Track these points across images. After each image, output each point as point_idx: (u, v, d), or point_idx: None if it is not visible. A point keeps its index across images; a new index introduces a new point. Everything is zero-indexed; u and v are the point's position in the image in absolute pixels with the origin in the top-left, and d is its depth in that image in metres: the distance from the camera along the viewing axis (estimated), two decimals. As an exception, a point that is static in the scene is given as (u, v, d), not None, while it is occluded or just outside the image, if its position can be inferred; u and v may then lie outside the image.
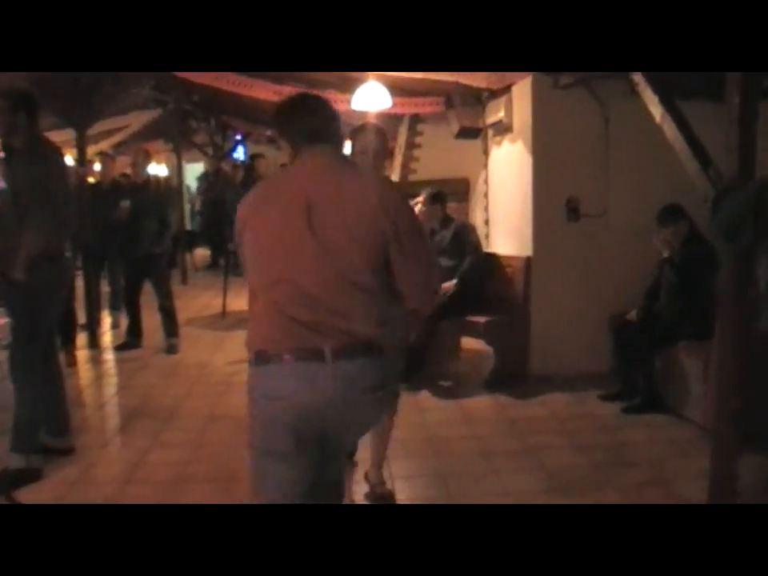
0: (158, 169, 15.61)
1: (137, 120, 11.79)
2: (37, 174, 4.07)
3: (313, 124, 2.36)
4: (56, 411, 4.43)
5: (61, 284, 4.39)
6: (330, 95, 7.86)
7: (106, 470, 4.33)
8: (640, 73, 4.10)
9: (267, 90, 7.80)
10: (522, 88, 6.07)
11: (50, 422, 4.38)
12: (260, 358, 2.21)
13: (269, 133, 13.67)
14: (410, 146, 8.30)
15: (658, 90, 4.00)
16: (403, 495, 3.86)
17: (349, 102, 6.65)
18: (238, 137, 16.22)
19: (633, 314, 5.37)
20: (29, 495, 3.84)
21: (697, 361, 4.82)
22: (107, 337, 7.90)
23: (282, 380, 2.17)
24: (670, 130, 3.90)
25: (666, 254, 5.20)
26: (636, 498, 3.79)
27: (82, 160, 7.31)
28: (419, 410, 5.30)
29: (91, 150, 9.06)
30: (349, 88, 6.82)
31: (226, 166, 14.96)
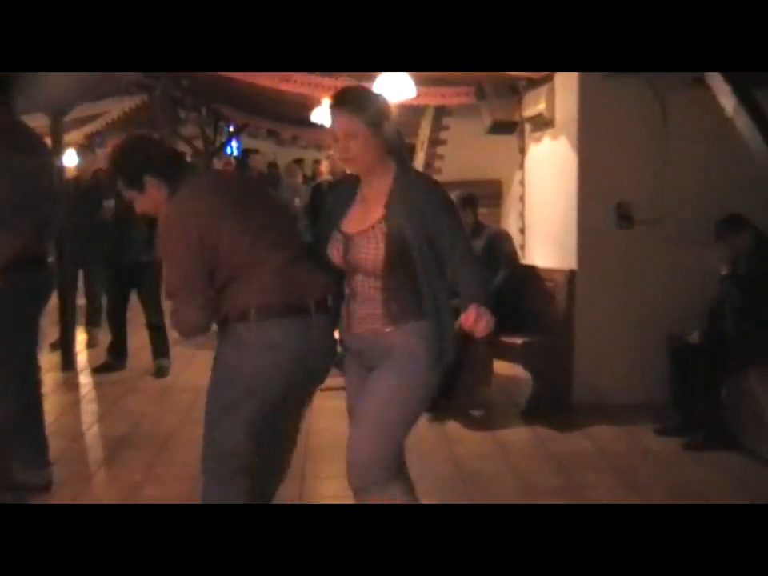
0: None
1: (116, 107, 11.86)
2: (14, 166, 4.08)
3: None
4: (32, 441, 4.41)
5: (41, 294, 4.41)
6: (346, 84, 7.93)
7: (90, 509, 4.33)
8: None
9: (272, 77, 7.85)
10: (567, 77, 6.10)
11: (24, 454, 4.36)
12: (262, 312, 2.87)
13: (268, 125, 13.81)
14: (434, 142, 8.34)
15: (731, 78, 4.02)
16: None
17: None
18: (231, 129, 16.32)
19: (694, 336, 5.38)
20: None
21: (770, 390, 4.82)
22: (83, 357, 7.91)
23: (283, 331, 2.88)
24: (744, 124, 3.93)
25: (724, 272, 5.19)
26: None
27: (58, 151, 7.32)
28: (448, 441, 5.30)
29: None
30: (367, 76, 6.86)
31: (218, 164, 15.02)
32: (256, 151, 13.82)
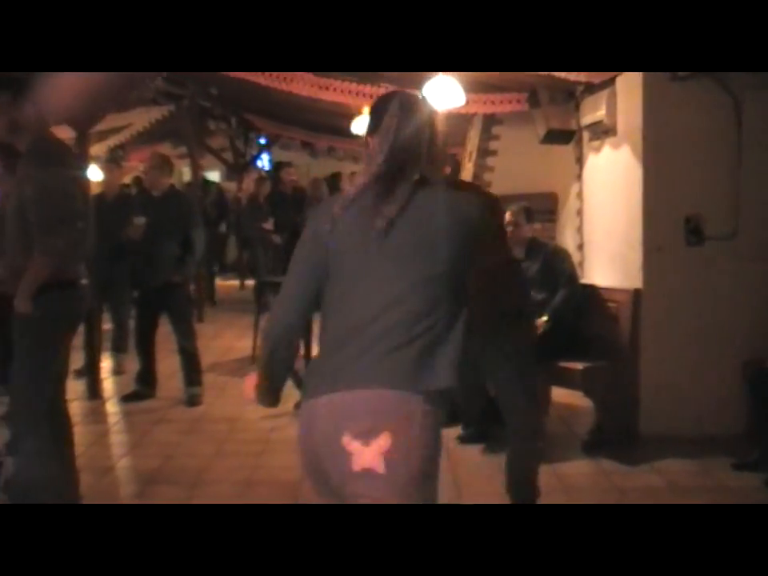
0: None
1: (140, 118, 12.03)
2: (49, 182, 4.17)
3: None
4: (62, 475, 4.48)
5: (74, 317, 4.49)
6: (386, 90, 8.00)
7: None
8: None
9: (309, 85, 7.93)
10: (630, 80, 6.13)
11: (53, 489, 4.43)
12: None
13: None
14: (484, 152, 8.41)
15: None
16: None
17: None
18: (262, 140, 16.50)
19: (774, 362, 5.36)
20: None
21: None
22: (109, 384, 8.01)
23: None
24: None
25: None
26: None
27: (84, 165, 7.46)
28: (503, 474, 5.27)
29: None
30: (410, 82, 6.91)
31: (248, 178, 15.20)
32: (289, 164, 13.98)
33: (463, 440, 6.00)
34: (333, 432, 2.26)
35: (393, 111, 2.48)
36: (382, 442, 2.21)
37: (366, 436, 2.21)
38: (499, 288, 4.08)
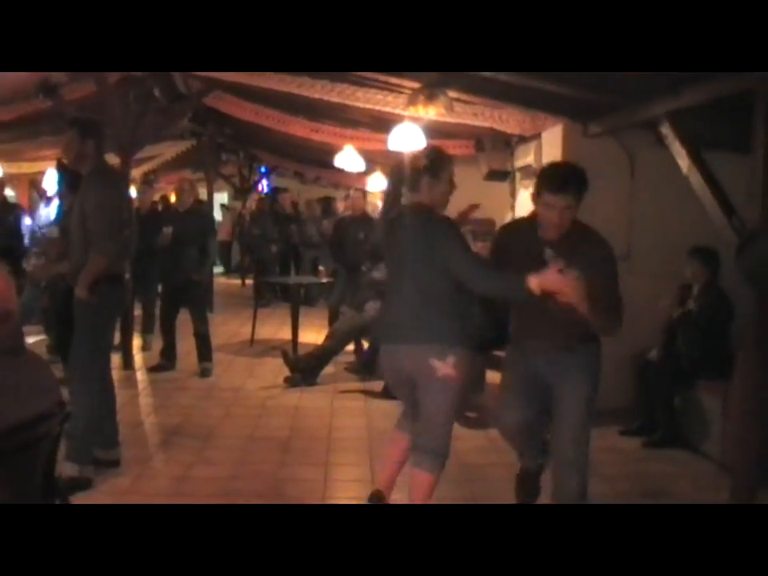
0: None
1: (170, 149, 12.16)
2: (103, 199, 4.37)
3: None
4: (107, 425, 4.67)
5: (120, 304, 4.69)
6: (365, 134, 8.21)
7: (153, 482, 4.56)
8: (667, 124, 4.37)
9: (304, 127, 8.14)
10: (552, 134, 6.34)
11: (100, 435, 4.59)
12: None
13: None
14: (440, 186, 8.56)
15: (686, 141, 4.28)
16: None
17: (382, 141, 6.94)
18: (263, 169, 16.61)
19: (653, 354, 5.62)
20: (82, 503, 3.96)
21: (714, 399, 5.06)
22: (139, 358, 8.13)
23: None
24: (696, 181, 4.14)
25: (676, 313, 5.46)
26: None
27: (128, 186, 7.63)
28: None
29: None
30: (382, 127, 7.12)
31: (251, 199, 15.32)
32: (285, 190, 14.11)
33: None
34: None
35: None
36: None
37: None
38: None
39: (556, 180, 3.35)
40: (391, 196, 3.68)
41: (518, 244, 3.55)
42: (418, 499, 3.51)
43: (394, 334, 3.56)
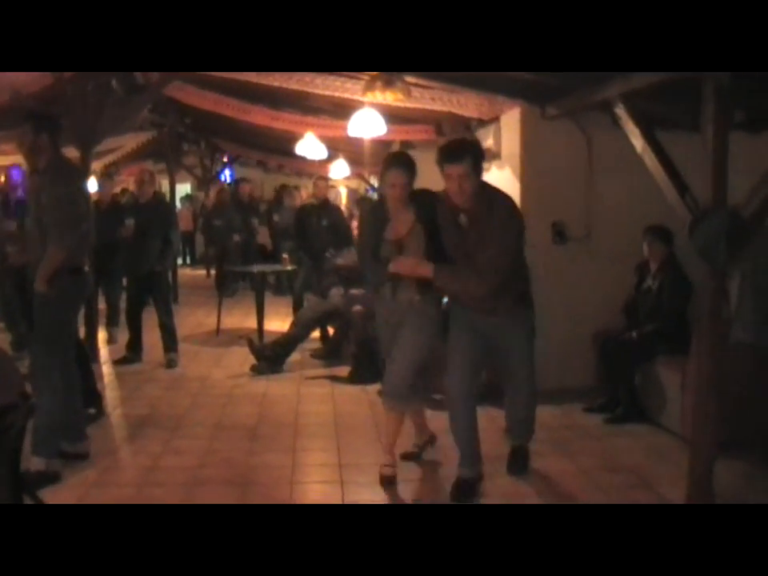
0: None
1: (130, 141, 12.04)
2: (60, 193, 4.34)
3: None
4: (73, 418, 4.65)
5: (80, 296, 4.66)
6: (326, 121, 8.20)
7: (121, 474, 4.57)
8: (621, 105, 4.44)
9: (265, 116, 8.10)
10: (511, 118, 6.40)
11: (67, 429, 4.57)
12: None
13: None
14: (401, 171, 8.57)
15: (639, 121, 4.34)
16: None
17: (344, 128, 6.95)
18: (225, 159, 16.50)
19: (615, 332, 5.71)
20: (50, 497, 3.91)
21: (673, 374, 5.16)
22: (104, 352, 8.06)
23: None
24: (650, 160, 4.21)
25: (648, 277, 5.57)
26: (621, 500, 4.09)
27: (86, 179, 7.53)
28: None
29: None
30: (344, 114, 7.12)
31: (213, 189, 15.19)
32: (245, 180, 14.03)
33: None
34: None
35: None
36: None
37: None
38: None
39: (451, 152, 3.81)
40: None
41: (444, 212, 4.05)
42: None
43: None
